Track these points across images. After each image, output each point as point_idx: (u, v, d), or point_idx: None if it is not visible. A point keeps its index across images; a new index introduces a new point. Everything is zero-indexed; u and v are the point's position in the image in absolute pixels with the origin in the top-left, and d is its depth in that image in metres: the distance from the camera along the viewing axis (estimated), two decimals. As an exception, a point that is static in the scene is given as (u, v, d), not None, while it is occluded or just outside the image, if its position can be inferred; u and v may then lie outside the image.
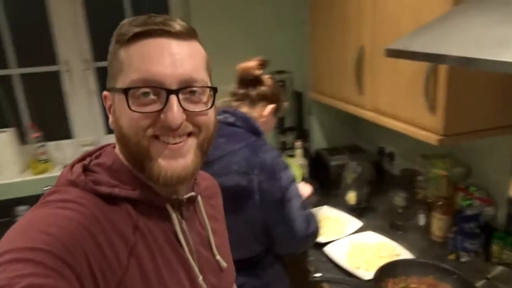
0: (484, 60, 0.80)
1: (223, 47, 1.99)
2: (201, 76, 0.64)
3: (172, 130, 0.61)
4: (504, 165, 1.42)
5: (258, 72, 1.30)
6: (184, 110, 0.62)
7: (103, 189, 0.61)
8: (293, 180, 1.22)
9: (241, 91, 1.32)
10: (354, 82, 1.68)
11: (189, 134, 0.64)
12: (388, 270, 1.31)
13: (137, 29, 0.61)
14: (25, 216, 0.57)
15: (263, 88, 1.31)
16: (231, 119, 1.27)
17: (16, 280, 0.46)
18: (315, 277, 1.31)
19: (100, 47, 2.15)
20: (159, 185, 0.65)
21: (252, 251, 1.29)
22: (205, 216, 0.77)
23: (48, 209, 0.57)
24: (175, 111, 0.60)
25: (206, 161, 1.21)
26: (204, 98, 0.65)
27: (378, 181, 1.94)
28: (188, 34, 0.64)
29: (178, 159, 0.63)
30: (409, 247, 1.52)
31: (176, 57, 0.61)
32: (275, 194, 1.18)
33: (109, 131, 2.26)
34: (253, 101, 1.31)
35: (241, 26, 2.11)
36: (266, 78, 1.34)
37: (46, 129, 2.10)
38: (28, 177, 2.00)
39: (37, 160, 2.01)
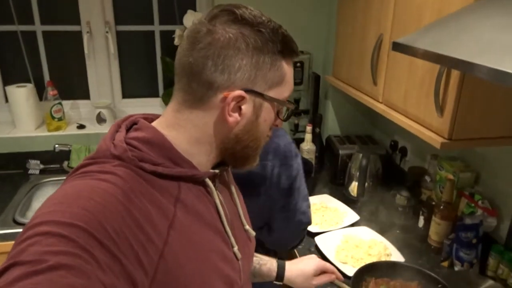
0: (481, 66, 0.73)
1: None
2: None
3: None
4: (515, 176, 1.34)
5: None
6: None
7: (147, 166, 0.61)
8: (301, 170, 1.18)
9: None
10: (370, 71, 1.60)
11: None
12: (372, 270, 1.29)
13: (294, 46, 0.68)
14: (65, 184, 0.58)
15: None
16: None
17: (45, 257, 0.46)
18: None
19: (123, 10, 2.15)
20: (239, 170, 0.76)
21: None
22: (233, 187, 0.80)
23: (88, 180, 0.58)
24: None
25: None
26: None
27: (386, 175, 1.88)
28: None
29: None
30: (403, 249, 1.47)
31: None
32: (284, 181, 1.14)
33: (125, 95, 2.29)
34: None
35: (266, 1, 2.03)
36: None
37: (64, 88, 2.15)
38: (42, 133, 2.07)
39: (52, 117, 2.06)
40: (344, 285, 1.23)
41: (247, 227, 0.81)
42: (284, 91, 0.69)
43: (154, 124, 0.68)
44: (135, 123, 0.69)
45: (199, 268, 0.64)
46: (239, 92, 0.63)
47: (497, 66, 0.71)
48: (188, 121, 0.66)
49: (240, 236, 0.78)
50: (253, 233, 0.83)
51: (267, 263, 1.09)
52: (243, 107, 0.65)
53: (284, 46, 0.66)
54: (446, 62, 0.84)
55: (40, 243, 0.48)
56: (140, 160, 0.61)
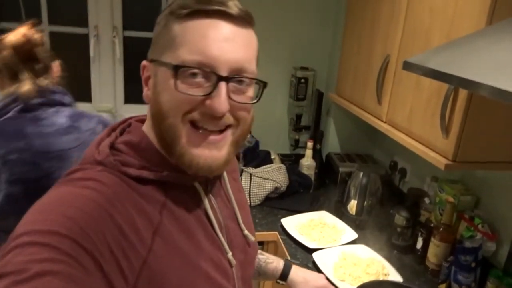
0: (483, 85, 0.75)
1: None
2: (252, 67, 0.62)
3: (214, 118, 0.59)
4: (515, 202, 1.34)
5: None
6: (230, 99, 0.60)
7: (131, 171, 0.60)
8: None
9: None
10: (374, 90, 1.62)
11: (227, 127, 0.62)
12: (371, 288, 1.27)
13: (196, 6, 0.58)
14: (49, 193, 0.57)
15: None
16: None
17: (29, 266, 0.45)
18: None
19: (131, 16, 2.17)
20: (189, 171, 0.62)
21: None
22: (230, 191, 0.77)
23: (70, 187, 0.57)
24: (222, 98, 0.58)
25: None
26: (250, 92, 0.63)
27: (385, 195, 1.88)
28: (246, 20, 0.61)
29: (212, 151, 0.61)
30: (400, 269, 1.46)
31: (233, 43, 0.59)
32: None
33: (127, 101, 2.29)
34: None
35: (273, 16, 2.06)
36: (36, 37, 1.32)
37: (66, 89, 2.13)
38: (42, 133, 2.05)
39: (53, 118, 2.04)
40: None
41: (246, 232, 0.78)
42: (180, 53, 0.58)
43: (144, 126, 0.66)
44: (130, 126, 0.68)
45: (186, 275, 0.61)
46: (143, 63, 0.65)
47: (497, 84, 0.72)
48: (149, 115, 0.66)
49: (237, 241, 0.75)
50: (252, 238, 0.80)
51: (274, 262, 1.08)
52: (149, 79, 0.65)
53: (175, 7, 0.60)
54: (457, 83, 0.85)
55: (22, 253, 0.47)
56: (123, 165, 0.60)
